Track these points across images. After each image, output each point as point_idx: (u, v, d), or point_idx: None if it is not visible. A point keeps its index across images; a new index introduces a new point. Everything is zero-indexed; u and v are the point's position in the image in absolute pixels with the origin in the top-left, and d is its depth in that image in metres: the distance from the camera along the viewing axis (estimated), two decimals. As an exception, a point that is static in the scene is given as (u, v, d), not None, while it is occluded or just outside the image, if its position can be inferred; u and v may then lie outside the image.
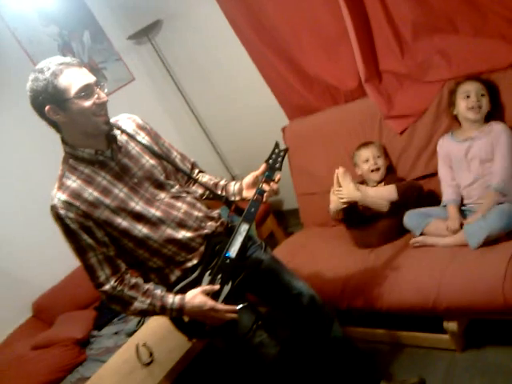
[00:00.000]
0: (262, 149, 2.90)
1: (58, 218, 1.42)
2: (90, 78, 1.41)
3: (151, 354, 2.23)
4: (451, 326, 1.89)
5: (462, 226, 1.99)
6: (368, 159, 2.37)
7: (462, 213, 2.08)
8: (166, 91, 3.87)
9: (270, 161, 1.62)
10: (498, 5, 1.97)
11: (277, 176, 1.61)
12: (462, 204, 2.10)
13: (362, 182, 2.46)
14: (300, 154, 2.81)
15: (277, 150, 1.64)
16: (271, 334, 1.66)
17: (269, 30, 2.76)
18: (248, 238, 1.66)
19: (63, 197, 1.41)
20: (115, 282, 1.46)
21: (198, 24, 3.37)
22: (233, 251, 1.54)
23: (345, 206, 2.31)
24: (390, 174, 2.40)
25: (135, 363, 2.25)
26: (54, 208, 1.42)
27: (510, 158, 1.93)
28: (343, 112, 2.67)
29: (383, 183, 2.36)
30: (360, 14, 2.35)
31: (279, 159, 1.63)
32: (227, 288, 1.54)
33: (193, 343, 2.18)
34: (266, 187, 1.57)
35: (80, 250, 1.44)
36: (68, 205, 1.41)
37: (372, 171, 2.37)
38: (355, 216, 2.33)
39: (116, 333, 2.68)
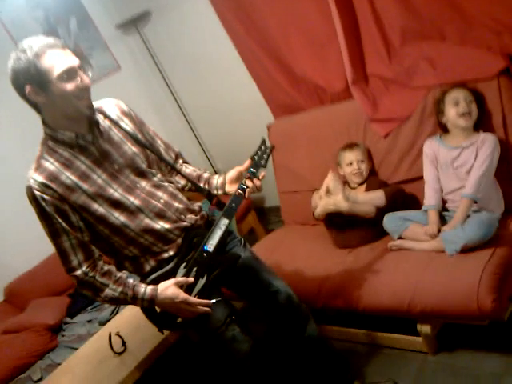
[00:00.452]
0: (245, 144, 2.91)
1: (34, 200, 1.40)
2: (74, 61, 1.38)
3: (124, 344, 2.22)
4: (425, 328, 1.92)
5: (439, 231, 2.02)
6: (352, 163, 2.39)
7: (443, 218, 2.10)
8: (152, 82, 3.85)
9: (256, 157, 1.62)
10: (485, 16, 2.00)
11: (261, 173, 1.61)
12: (443, 209, 2.12)
13: (344, 182, 2.48)
14: (284, 152, 2.82)
15: (263, 147, 1.64)
16: (244, 329, 1.66)
17: (258, 26, 2.76)
18: (227, 233, 1.65)
19: (40, 178, 1.39)
20: (87, 267, 1.44)
21: (187, 17, 3.35)
22: (210, 245, 1.53)
23: (328, 212, 2.33)
24: (371, 177, 2.43)
25: (107, 352, 2.22)
26: (29, 189, 1.40)
27: (486, 167, 1.95)
28: (329, 113, 2.68)
29: (364, 185, 2.39)
30: (349, 16, 2.36)
31: (265, 156, 1.63)
32: (202, 282, 1.53)
33: (167, 335, 2.17)
34: (249, 183, 1.57)
35: (54, 233, 1.42)
36: (44, 187, 1.39)
37: (353, 174, 2.39)
38: (338, 219, 2.35)
39: (89, 321, 2.65)
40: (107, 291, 1.46)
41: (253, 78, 3.02)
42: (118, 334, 2.25)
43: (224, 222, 1.54)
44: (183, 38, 3.47)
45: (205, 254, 1.52)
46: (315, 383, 1.90)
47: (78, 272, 1.43)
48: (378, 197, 2.26)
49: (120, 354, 2.19)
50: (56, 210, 1.40)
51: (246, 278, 1.76)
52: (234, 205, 1.55)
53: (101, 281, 1.45)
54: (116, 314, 2.54)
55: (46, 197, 1.38)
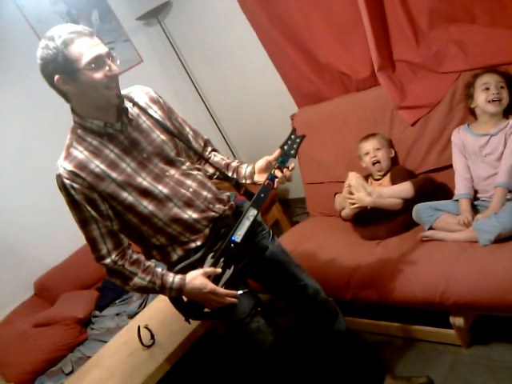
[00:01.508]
0: (269, 136, 2.89)
1: (63, 188, 1.40)
2: (102, 49, 1.36)
3: (153, 337, 2.23)
4: (458, 321, 1.87)
5: (472, 220, 1.96)
6: (368, 152, 2.36)
7: (475, 207, 2.04)
8: (174, 74, 3.84)
9: (285, 147, 1.56)
10: (518, -6, 1.93)
11: (291, 163, 1.56)
12: (474, 198, 2.07)
13: (368, 175, 2.44)
14: (308, 142, 2.71)
15: (293, 137, 1.58)
16: (269, 321, 1.65)
17: (281, 14, 2.72)
18: (257, 225, 1.63)
19: (69, 167, 1.38)
20: (116, 256, 1.44)
21: (207, 6, 3.32)
22: (238, 236, 1.51)
23: (356, 211, 2.30)
24: (395, 167, 2.38)
25: (136, 345, 2.25)
26: (59, 177, 1.40)
27: None
28: (354, 101, 2.62)
29: (389, 176, 2.34)
30: (375, 0, 2.30)
31: (294, 146, 1.58)
32: (229, 272, 1.52)
33: (195, 328, 2.18)
34: (278, 173, 1.53)
35: (83, 221, 1.42)
36: (74, 175, 1.38)
37: (373, 164, 2.35)
38: (364, 213, 2.31)
39: (118, 314, 2.68)
40: (136, 280, 1.46)
41: (275, 67, 2.98)
42: (146, 327, 2.27)
43: (252, 212, 1.52)
44: (204, 28, 3.44)
45: (232, 245, 1.51)
46: (345, 378, 1.87)
47: (108, 260, 1.43)
48: (405, 189, 2.20)
49: (149, 346, 2.21)
50: (85, 199, 1.40)
51: (274, 270, 1.74)
52: (262, 195, 1.52)
53: (130, 269, 1.45)
54: (144, 307, 2.56)
55: (75, 185, 1.38)
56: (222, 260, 1.51)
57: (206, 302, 1.50)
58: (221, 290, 1.48)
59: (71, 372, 2.44)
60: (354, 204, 2.27)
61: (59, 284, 2.96)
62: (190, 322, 1.63)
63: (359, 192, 2.23)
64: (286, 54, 2.84)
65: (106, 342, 2.47)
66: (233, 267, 1.53)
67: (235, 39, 3.29)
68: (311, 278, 1.78)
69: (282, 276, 1.75)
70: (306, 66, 2.79)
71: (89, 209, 1.40)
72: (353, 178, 2.26)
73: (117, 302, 2.81)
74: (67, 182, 1.38)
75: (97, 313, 2.80)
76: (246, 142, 3.78)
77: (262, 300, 1.69)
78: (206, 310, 1.54)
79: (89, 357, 2.44)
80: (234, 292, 1.50)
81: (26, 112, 3.18)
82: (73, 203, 1.41)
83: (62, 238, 3.02)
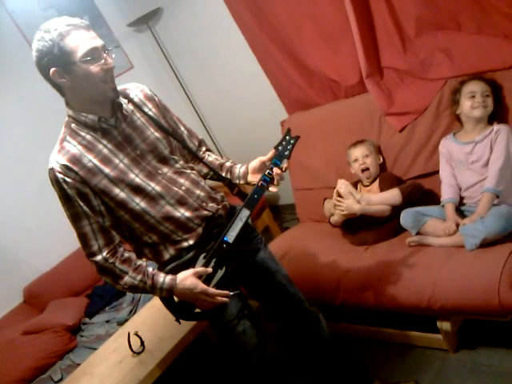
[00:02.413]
0: (259, 141, 2.90)
1: (56, 182, 1.39)
2: (98, 42, 1.35)
3: (142, 343, 2.22)
4: (445, 325, 1.89)
5: (458, 225, 1.98)
6: (357, 159, 2.38)
7: (461, 213, 2.07)
8: (164, 80, 3.85)
9: (280, 148, 1.56)
10: (502, 3, 1.96)
11: (284, 164, 1.55)
12: (461, 203, 2.09)
13: (357, 181, 2.47)
14: (298, 148, 2.72)
15: (287, 137, 1.58)
16: (254, 324, 1.65)
17: (270, 20, 2.74)
18: (248, 226, 1.62)
19: (62, 160, 1.38)
20: (107, 253, 1.43)
21: (198, 12, 3.34)
22: (231, 236, 1.49)
23: (345, 218, 2.32)
24: (383, 173, 2.40)
25: (126, 352, 2.23)
26: (52, 171, 1.39)
27: (504, 159, 1.92)
28: (343, 107, 2.65)
29: (377, 182, 2.37)
30: (363, 8, 2.33)
31: (289, 147, 1.57)
32: (220, 273, 1.51)
33: (185, 333, 2.18)
34: (276, 171, 1.52)
35: (75, 216, 1.41)
36: (66, 169, 1.37)
37: (362, 171, 2.37)
38: (353, 220, 2.33)
39: (107, 321, 2.67)
40: (126, 279, 1.45)
41: (265, 74, 3.01)
42: (136, 334, 2.26)
43: (245, 213, 1.50)
44: (194, 34, 3.46)
45: (224, 245, 1.49)
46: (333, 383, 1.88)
47: (98, 257, 1.42)
48: (393, 195, 2.22)
49: (139, 353, 2.20)
50: (77, 193, 1.39)
51: (262, 278, 1.73)
52: (256, 196, 1.51)
53: (120, 268, 1.44)
54: (134, 313, 2.55)
55: (67, 179, 1.37)
56: (213, 260, 1.50)
57: (196, 302, 1.49)
58: (212, 290, 1.47)
59: (60, 380, 2.42)
60: (343, 211, 2.29)
61: (48, 291, 2.94)
62: (180, 322, 1.61)
63: (348, 199, 2.26)
64: (276, 60, 2.86)
65: (95, 349, 2.45)
66: (224, 268, 1.51)
67: (225, 45, 3.31)
68: (297, 289, 1.77)
69: (270, 284, 1.74)
70: (296, 73, 2.82)
71: (81, 204, 1.39)
72: (342, 186, 2.28)
73: (106, 308, 2.80)
74: (60, 175, 1.37)
75: (86, 320, 2.78)
76: (236, 148, 3.79)
77: (248, 303, 1.70)
78: (197, 310, 1.53)
79: (78, 364, 2.42)
80: (225, 292, 1.49)
81: (19, 117, 3.17)
82: (65, 197, 1.40)
83: (51, 244, 3.01)
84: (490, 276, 1.70)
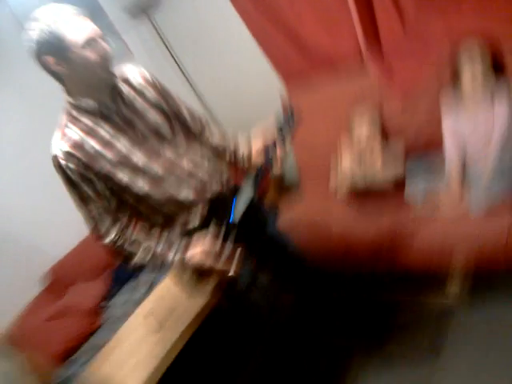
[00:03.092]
0: (260, 116, 2.93)
1: (60, 169, 1.41)
2: (94, 29, 1.37)
3: (161, 321, 2.28)
4: (455, 284, 1.96)
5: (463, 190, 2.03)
6: (360, 136, 2.40)
7: (466, 181, 2.09)
8: (165, 67, 3.84)
9: (281, 127, 1.58)
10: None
11: (287, 144, 1.58)
12: (466, 172, 2.11)
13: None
14: (300, 127, 2.82)
15: (289, 118, 1.60)
16: (266, 294, 1.74)
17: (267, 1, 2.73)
18: (253, 205, 1.64)
19: (65, 147, 1.39)
20: (116, 235, 1.46)
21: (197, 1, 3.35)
22: (236, 216, 1.51)
23: (350, 187, 2.37)
24: (386, 149, 2.42)
25: (146, 330, 2.30)
26: (55, 158, 1.40)
27: (509, 123, 1.94)
28: (343, 82, 2.66)
29: (380, 158, 2.39)
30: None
31: (290, 126, 1.59)
32: (228, 250, 1.52)
33: (201, 307, 2.21)
34: (275, 154, 1.55)
35: (81, 201, 1.44)
36: (69, 155, 1.39)
37: (366, 152, 2.40)
38: (360, 192, 2.39)
39: (126, 302, 2.73)
40: (137, 259, 1.48)
41: (263, 52, 2.99)
42: (154, 312, 2.33)
43: (250, 193, 1.53)
44: (192, 17, 3.46)
45: (231, 224, 1.51)
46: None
47: (107, 240, 1.46)
48: (394, 168, 2.26)
49: (158, 330, 2.26)
50: (82, 179, 1.41)
51: (272, 251, 1.79)
52: (259, 176, 1.54)
53: (129, 250, 1.47)
54: (150, 292, 2.60)
55: (71, 166, 1.39)
56: (221, 238, 1.52)
57: (207, 274, 1.53)
58: (220, 266, 1.49)
59: (86, 362, 2.49)
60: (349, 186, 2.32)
61: (67, 276, 3.00)
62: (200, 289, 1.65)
63: (354, 172, 2.25)
64: (273, 39, 2.84)
65: (116, 330, 2.51)
66: (232, 246, 1.53)
67: (223, 27, 3.32)
68: (308, 258, 1.85)
69: (281, 257, 1.80)
70: (293, 49, 2.81)
71: (86, 189, 1.42)
72: (345, 159, 2.30)
73: (124, 290, 2.87)
74: (63, 162, 1.39)
75: (105, 302, 2.87)
76: (238, 124, 3.80)
77: (259, 275, 1.75)
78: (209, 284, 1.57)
79: (102, 345, 2.47)
80: (232, 266, 1.51)
81: (21, 108, 3.18)
82: (70, 184, 1.42)
83: (65, 230, 3.04)
84: (499, 232, 1.76)
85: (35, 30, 1.33)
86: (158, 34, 3.64)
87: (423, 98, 2.30)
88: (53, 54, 1.33)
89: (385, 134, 2.45)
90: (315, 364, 2.03)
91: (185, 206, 1.55)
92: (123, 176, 1.45)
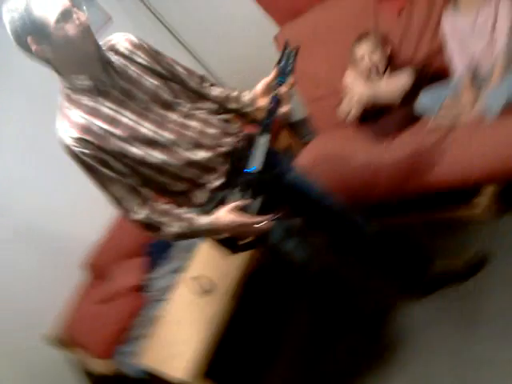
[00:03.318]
0: (257, 63, 2.84)
1: (75, 157, 1.40)
2: (65, 2, 1.32)
3: (209, 282, 2.32)
4: (485, 196, 1.96)
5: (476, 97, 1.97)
6: (363, 56, 2.31)
7: (477, 84, 2.03)
8: (148, 25, 3.70)
9: (281, 64, 1.50)
10: None
11: (290, 80, 1.50)
12: (476, 76, 2.05)
13: (367, 75, 2.41)
14: (300, 59, 2.72)
15: (287, 51, 1.51)
16: (301, 240, 1.72)
17: None
18: (270, 149, 1.57)
19: (75, 134, 1.37)
20: (144, 209, 1.45)
21: None
22: (257, 163, 1.48)
23: (361, 111, 2.28)
24: (392, 63, 2.34)
25: (197, 294, 2.34)
26: (67, 148, 1.39)
27: None
28: (334, 6, 2.56)
29: (387, 73, 2.32)
30: None
31: (290, 61, 1.50)
32: (258, 202, 1.49)
33: (246, 260, 2.27)
34: (280, 93, 1.48)
35: (104, 183, 1.43)
36: (81, 141, 1.37)
37: (368, 69, 2.31)
38: (370, 115, 2.32)
39: (170, 271, 2.79)
40: (168, 229, 1.48)
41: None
42: (200, 275, 2.37)
43: (264, 138, 1.49)
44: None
45: (254, 174, 1.48)
46: (396, 273, 1.95)
47: (136, 216, 1.46)
48: (402, 77, 2.19)
49: (208, 292, 2.30)
50: (99, 161, 1.40)
51: (298, 196, 1.77)
52: (269, 119, 1.49)
53: (160, 220, 1.47)
54: (191, 257, 2.63)
55: (85, 151, 1.38)
56: (247, 191, 1.49)
57: (240, 234, 1.52)
58: (250, 220, 1.46)
59: (141, 335, 2.58)
60: (353, 99, 2.25)
61: (106, 259, 3.06)
62: (235, 254, 1.68)
63: (358, 87, 2.22)
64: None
65: (165, 300, 2.58)
66: (260, 195, 1.50)
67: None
68: (334, 199, 1.81)
69: (306, 200, 1.78)
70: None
71: (105, 170, 1.41)
72: (348, 76, 2.24)
73: (164, 260, 2.91)
74: (77, 149, 1.38)
75: (149, 276, 2.92)
76: (236, 77, 3.71)
77: (291, 222, 1.75)
78: (242, 242, 1.56)
79: (153, 318, 2.55)
80: (265, 217, 1.48)
81: (21, 101, 3.10)
82: (88, 169, 1.41)
83: (94, 214, 3.08)
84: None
85: (11, 22, 1.31)
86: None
87: (417, 2, 2.21)
88: (31, 35, 1.30)
89: (386, 48, 2.36)
90: (362, 308, 2.08)
91: (205, 166, 1.54)
92: (136, 150, 1.44)
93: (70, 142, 1.38)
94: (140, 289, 2.88)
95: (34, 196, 3.08)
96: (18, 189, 3.04)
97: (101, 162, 1.41)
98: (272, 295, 2.53)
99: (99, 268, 3.07)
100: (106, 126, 1.40)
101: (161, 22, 3.57)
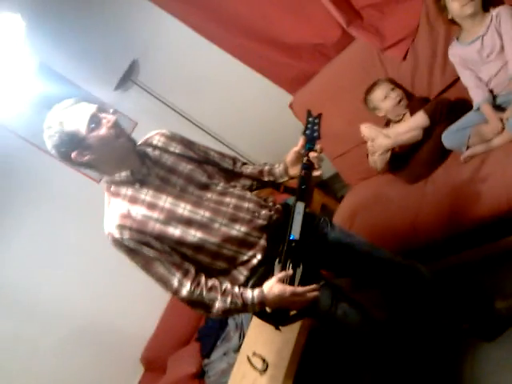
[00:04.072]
0: (280, 135, 2.91)
1: (117, 243, 1.45)
2: (91, 108, 1.45)
3: (264, 360, 2.27)
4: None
5: (503, 120, 1.92)
6: (386, 95, 2.33)
7: (499, 107, 1.99)
8: (170, 120, 3.90)
9: (307, 131, 1.55)
10: None
11: (318, 145, 1.54)
12: (494, 99, 2.01)
13: (388, 122, 2.42)
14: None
15: (310, 119, 1.57)
16: (351, 303, 1.67)
17: (233, 19, 2.71)
18: (307, 216, 1.56)
19: (115, 221, 1.44)
20: (191, 285, 1.46)
21: (171, 47, 3.39)
22: (295, 232, 1.48)
23: (385, 159, 2.28)
24: (411, 102, 2.35)
25: (254, 374, 2.28)
26: (110, 235, 1.45)
27: None
28: (339, 64, 2.64)
29: (408, 113, 2.32)
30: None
31: (315, 127, 1.55)
32: (300, 270, 1.48)
33: (297, 332, 2.20)
34: (312, 155, 1.51)
35: (147, 264, 1.46)
36: (121, 227, 1.44)
37: (399, 102, 2.31)
38: (399, 160, 2.30)
39: (225, 354, 2.75)
40: (218, 305, 1.47)
41: (254, 69, 2.98)
42: (255, 354, 2.32)
43: (300, 205, 1.49)
44: (176, 66, 3.51)
45: (293, 244, 1.48)
46: (457, 317, 1.84)
47: (183, 292, 1.45)
48: (418, 118, 2.17)
49: (265, 370, 2.25)
50: (140, 244, 1.44)
51: (343, 255, 1.72)
52: (303, 186, 1.51)
53: (209, 296, 1.46)
54: (243, 337, 2.60)
55: (125, 236, 1.43)
56: (289, 261, 1.48)
57: (289, 305, 1.50)
58: (300, 289, 1.46)
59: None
60: (376, 152, 2.25)
61: (162, 351, 3.06)
62: (280, 330, 1.64)
63: (377, 139, 2.23)
64: (257, 53, 2.83)
65: (225, 383, 2.52)
66: (301, 264, 1.49)
67: (209, 64, 3.34)
68: (381, 249, 1.76)
69: (353, 258, 1.73)
70: (279, 54, 2.79)
71: (146, 250, 1.45)
72: (364, 130, 2.26)
73: (218, 343, 2.88)
74: (118, 236, 1.43)
75: (206, 361, 2.87)
76: (261, 152, 3.80)
77: (338, 286, 1.71)
78: (292, 312, 1.55)
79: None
80: (313, 286, 1.48)
81: (67, 216, 3.33)
82: (131, 252, 1.46)
83: (145, 307, 3.12)
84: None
85: (49, 139, 1.44)
86: (149, 92, 3.70)
87: (419, 40, 2.25)
88: (73, 149, 1.42)
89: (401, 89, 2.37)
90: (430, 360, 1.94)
91: (242, 241, 1.55)
92: (174, 230, 1.48)
93: (112, 230, 1.45)
94: (199, 375, 2.82)
95: (91, 299, 3.19)
96: (77, 293, 3.18)
97: (141, 243, 1.45)
98: (330, 363, 2.40)
99: (156, 361, 3.05)
100: (144, 211, 1.47)
101: (183, 116, 3.76)
